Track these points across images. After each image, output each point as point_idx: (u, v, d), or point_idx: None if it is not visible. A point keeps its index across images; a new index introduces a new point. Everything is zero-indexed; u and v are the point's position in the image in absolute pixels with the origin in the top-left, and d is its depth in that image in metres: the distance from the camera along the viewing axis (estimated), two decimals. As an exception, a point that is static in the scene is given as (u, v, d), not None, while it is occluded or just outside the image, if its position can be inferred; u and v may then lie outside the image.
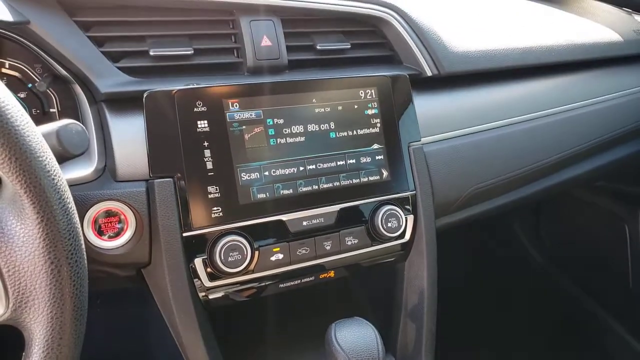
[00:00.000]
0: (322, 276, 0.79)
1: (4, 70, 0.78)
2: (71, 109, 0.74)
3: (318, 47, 0.80)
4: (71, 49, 0.65)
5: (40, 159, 0.40)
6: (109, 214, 0.64)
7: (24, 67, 0.79)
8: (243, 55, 0.74)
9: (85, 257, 0.44)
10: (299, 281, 0.77)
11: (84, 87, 0.69)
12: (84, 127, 0.54)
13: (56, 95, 0.80)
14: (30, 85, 0.79)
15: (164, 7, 0.71)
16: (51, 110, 0.81)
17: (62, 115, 0.82)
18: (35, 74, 0.80)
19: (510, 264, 1.67)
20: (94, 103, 0.69)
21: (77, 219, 0.43)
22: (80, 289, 0.43)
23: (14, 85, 0.80)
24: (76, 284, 0.42)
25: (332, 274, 0.79)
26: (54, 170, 0.41)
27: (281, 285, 0.75)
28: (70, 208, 0.42)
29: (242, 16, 0.74)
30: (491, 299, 1.55)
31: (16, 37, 0.71)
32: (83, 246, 0.43)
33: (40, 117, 0.82)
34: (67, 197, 0.42)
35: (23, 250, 0.40)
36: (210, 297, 0.69)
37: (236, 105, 0.70)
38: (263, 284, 0.73)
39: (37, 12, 0.64)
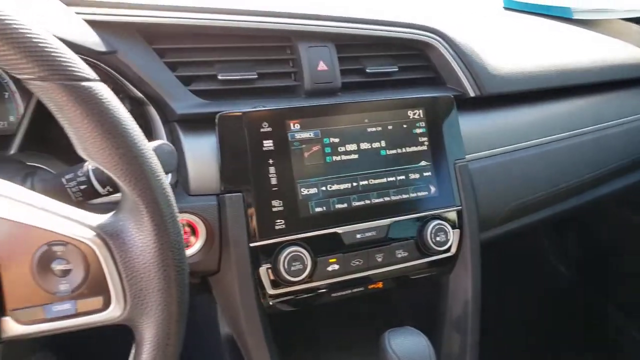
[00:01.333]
0: (370, 287, 0.83)
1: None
2: (143, 129, 0.80)
3: (368, 71, 0.85)
4: (150, 74, 0.71)
5: (157, 175, 0.46)
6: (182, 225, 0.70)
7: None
8: (301, 79, 0.80)
9: (187, 266, 0.49)
10: (350, 291, 0.81)
11: (158, 109, 0.75)
12: (174, 148, 0.60)
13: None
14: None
15: (230, 34, 0.77)
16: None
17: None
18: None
19: (537, 278, 1.69)
20: (166, 123, 0.75)
21: (182, 230, 0.48)
22: (184, 294, 0.48)
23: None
24: (181, 289, 0.47)
25: (380, 284, 0.84)
26: (167, 186, 0.47)
27: (333, 295, 0.80)
28: (177, 220, 0.48)
29: (300, 43, 0.80)
30: (518, 312, 1.57)
31: (101, 64, 0.78)
32: (186, 255, 0.49)
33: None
34: (176, 210, 0.48)
35: (140, 258, 0.45)
36: (271, 303, 0.74)
37: (297, 126, 0.75)
38: (318, 292, 0.78)
39: (122, 41, 0.70)
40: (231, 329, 0.74)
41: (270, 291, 0.73)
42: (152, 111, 0.76)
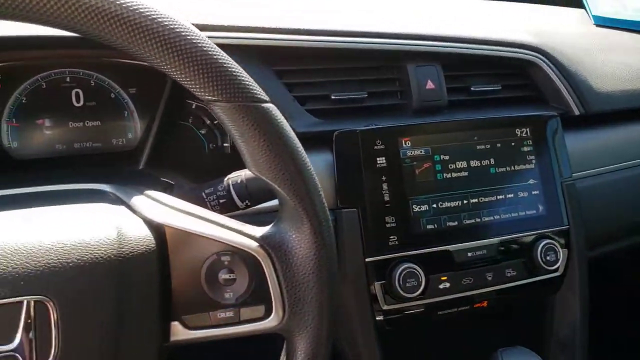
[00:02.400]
0: (476, 305, 0.82)
1: (190, 109, 0.90)
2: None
3: (472, 89, 0.86)
4: (271, 94, 0.74)
5: (319, 190, 0.48)
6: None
7: (207, 106, 0.90)
8: (408, 98, 0.82)
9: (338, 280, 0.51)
10: (456, 309, 0.81)
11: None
12: None
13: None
14: (209, 122, 0.91)
15: (342, 55, 0.80)
16: (224, 144, 0.92)
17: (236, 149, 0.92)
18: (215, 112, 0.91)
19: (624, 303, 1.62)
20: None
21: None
22: (334, 306, 0.49)
23: (198, 123, 0.92)
24: (332, 301, 0.49)
25: (485, 303, 0.83)
26: (324, 200, 0.49)
27: (439, 313, 0.80)
28: (333, 234, 0.50)
29: (409, 63, 0.82)
30: (626, 331, 1.50)
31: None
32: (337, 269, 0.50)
33: (215, 151, 0.93)
34: (330, 222, 0.50)
35: (301, 268, 0.47)
36: (382, 319, 0.75)
37: (408, 143, 0.76)
38: (427, 310, 0.78)
39: (245, 64, 0.72)
40: (344, 343, 0.75)
41: (384, 307, 0.73)
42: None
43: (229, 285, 0.48)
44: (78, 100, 0.87)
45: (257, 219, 0.60)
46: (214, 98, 0.44)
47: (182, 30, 0.42)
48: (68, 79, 0.86)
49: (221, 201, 0.62)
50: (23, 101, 0.84)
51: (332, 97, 0.78)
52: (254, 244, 0.48)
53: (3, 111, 0.83)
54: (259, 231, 0.49)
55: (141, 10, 0.41)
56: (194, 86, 0.44)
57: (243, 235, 0.48)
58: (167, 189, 0.67)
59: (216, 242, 0.47)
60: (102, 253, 0.43)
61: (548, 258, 0.79)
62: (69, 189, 0.54)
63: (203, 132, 0.92)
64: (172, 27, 0.42)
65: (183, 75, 0.44)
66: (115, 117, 0.89)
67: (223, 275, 0.48)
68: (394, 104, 0.82)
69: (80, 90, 0.87)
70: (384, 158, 0.75)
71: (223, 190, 0.62)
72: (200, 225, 0.48)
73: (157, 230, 0.48)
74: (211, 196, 0.63)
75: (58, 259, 0.42)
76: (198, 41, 0.43)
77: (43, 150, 0.85)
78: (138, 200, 0.51)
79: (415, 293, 0.72)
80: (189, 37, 0.42)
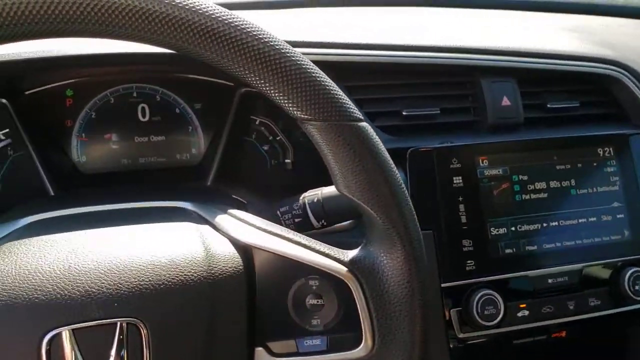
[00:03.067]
0: (554, 335, 0.77)
1: (253, 126, 0.89)
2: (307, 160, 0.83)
3: (549, 106, 0.81)
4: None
5: (413, 211, 0.46)
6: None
7: (270, 123, 0.89)
8: (483, 114, 0.78)
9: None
10: (532, 339, 0.76)
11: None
12: None
13: (292, 148, 0.90)
14: (271, 138, 0.89)
15: (413, 70, 0.78)
16: (286, 160, 0.91)
17: (297, 165, 0.90)
18: (278, 129, 0.90)
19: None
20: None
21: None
22: (425, 333, 0.46)
23: (261, 139, 0.91)
24: (424, 333, 0.46)
25: (563, 333, 0.78)
26: (417, 220, 0.46)
27: (515, 342, 0.75)
28: (425, 256, 0.47)
29: (484, 78, 0.78)
30: None
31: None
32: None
33: (277, 167, 0.92)
34: (424, 248, 0.47)
35: (392, 296, 0.44)
36: (458, 346, 0.71)
37: (485, 162, 0.73)
38: (502, 339, 0.73)
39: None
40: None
41: (460, 334, 0.69)
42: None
43: (317, 312, 0.45)
44: (144, 115, 0.87)
45: (330, 239, 0.58)
46: (308, 117, 0.42)
47: (279, 46, 0.41)
48: (135, 94, 0.87)
49: (296, 220, 0.60)
50: (92, 116, 0.85)
51: (404, 113, 0.76)
52: (343, 269, 0.45)
53: (74, 126, 0.84)
54: (348, 255, 0.46)
55: (237, 24, 0.39)
56: (287, 104, 0.42)
57: (332, 259, 0.46)
58: (241, 206, 0.65)
59: (305, 265, 0.45)
60: (192, 274, 0.42)
61: (637, 287, 0.73)
62: (152, 206, 0.53)
63: (266, 148, 0.91)
64: (270, 43, 0.40)
65: (277, 93, 0.42)
66: (179, 132, 0.89)
67: (311, 301, 0.45)
68: (468, 121, 0.79)
69: (146, 105, 0.87)
70: (460, 178, 0.71)
71: (298, 209, 0.60)
72: (288, 247, 0.46)
73: (244, 251, 0.46)
74: (286, 215, 0.61)
75: (150, 280, 0.40)
76: (296, 58, 0.41)
77: (110, 164, 0.86)
78: (222, 220, 0.49)
79: (494, 321, 0.68)
80: (287, 54, 0.41)
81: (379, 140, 0.45)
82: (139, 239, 0.44)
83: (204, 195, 0.66)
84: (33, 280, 0.38)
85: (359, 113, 0.44)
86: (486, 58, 0.78)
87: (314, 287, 0.45)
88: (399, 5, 1.05)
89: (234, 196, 0.71)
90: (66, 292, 0.38)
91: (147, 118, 0.87)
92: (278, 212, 0.61)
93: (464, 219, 0.70)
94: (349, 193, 0.45)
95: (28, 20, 0.34)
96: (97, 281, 0.39)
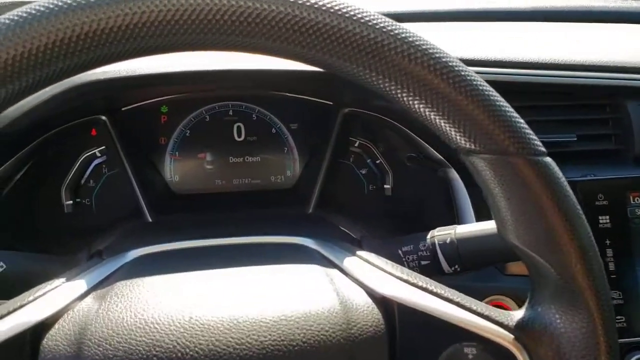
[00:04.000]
0: None
1: (352, 148, 0.83)
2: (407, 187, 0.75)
3: None
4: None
5: (600, 262, 0.36)
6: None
7: (370, 145, 0.82)
8: (628, 142, 0.67)
9: None
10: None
11: (462, 171, 0.67)
12: None
13: (392, 173, 0.82)
14: (369, 161, 0.82)
15: (546, 91, 0.68)
16: (385, 186, 0.83)
17: (396, 191, 0.82)
18: (378, 151, 0.82)
19: None
20: (471, 186, 0.67)
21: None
22: None
23: (359, 162, 0.84)
24: None
25: None
26: (604, 270, 0.37)
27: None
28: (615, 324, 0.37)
29: (630, 101, 0.67)
30: None
31: (390, 120, 0.74)
32: None
33: (375, 192, 0.84)
34: (614, 309, 0.37)
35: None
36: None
37: (637, 200, 0.62)
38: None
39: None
40: None
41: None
42: (452, 173, 0.69)
43: None
44: (239, 135, 0.83)
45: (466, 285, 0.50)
46: (478, 148, 0.34)
47: (454, 64, 0.33)
48: (231, 112, 0.83)
49: (422, 263, 0.52)
50: (187, 134, 0.81)
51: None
52: (509, 335, 0.37)
53: (168, 143, 0.81)
54: (513, 318, 0.38)
55: (404, 35, 0.32)
56: (451, 130, 0.35)
57: (493, 322, 0.37)
58: (354, 242, 0.58)
59: (459, 328, 0.37)
60: (328, 332, 0.34)
61: None
62: (268, 242, 0.47)
63: (363, 172, 0.84)
64: (444, 59, 0.33)
65: (441, 117, 0.34)
66: (275, 153, 0.83)
67: None
68: (610, 149, 0.68)
69: (242, 124, 0.83)
70: (607, 217, 0.61)
71: (426, 250, 0.52)
72: (438, 304, 0.38)
73: (384, 305, 0.38)
74: (410, 255, 0.53)
75: (281, 338, 0.33)
76: (472, 78, 0.34)
77: (203, 185, 0.82)
78: (351, 263, 0.42)
79: (653, 393, 0.56)
80: (463, 73, 0.33)
81: (564, 179, 0.36)
82: (265, 286, 0.38)
83: (315, 227, 0.59)
84: (152, 334, 0.32)
85: (541, 145, 0.36)
86: (633, 77, 0.67)
87: (470, 356, 0.37)
88: (506, 20, 0.96)
89: (342, 228, 0.63)
90: (188, 350, 0.32)
91: (242, 137, 0.82)
92: (400, 252, 0.53)
93: (612, 267, 0.60)
94: (519, 241, 0.37)
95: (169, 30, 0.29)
96: (222, 339, 0.33)
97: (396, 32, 0.32)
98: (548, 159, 0.35)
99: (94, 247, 0.53)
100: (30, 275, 0.45)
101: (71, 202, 0.71)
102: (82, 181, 0.74)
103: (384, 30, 0.32)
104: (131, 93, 0.75)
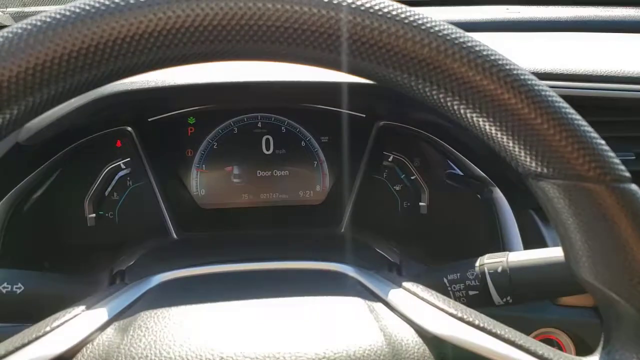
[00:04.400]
0: None
1: (385, 163, 0.79)
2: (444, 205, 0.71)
3: None
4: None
5: None
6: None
7: (405, 160, 0.78)
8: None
9: None
10: None
11: (508, 191, 0.63)
12: None
13: (428, 190, 0.78)
14: (404, 176, 0.78)
15: (598, 105, 0.63)
16: (420, 203, 0.78)
17: (432, 209, 0.78)
18: (413, 167, 0.78)
19: None
20: (517, 210, 0.62)
21: None
22: None
23: (393, 178, 0.80)
24: None
25: None
26: None
27: None
28: None
29: (694, 117, 0.62)
30: None
31: (427, 134, 0.70)
32: None
33: (409, 210, 0.80)
34: None
35: None
36: None
37: None
38: None
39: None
40: None
41: None
42: (497, 194, 0.64)
43: None
44: (268, 148, 0.80)
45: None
46: (551, 172, 0.30)
47: (529, 79, 0.29)
48: (259, 124, 0.79)
49: (470, 293, 0.48)
50: (214, 147, 0.78)
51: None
52: None
53: (194, 156, 0.78)
54: None
55: (473, 45, 0.28)
56: (520, 152, 0.31)
57: None
58: (393, 265, 0.54)
59: None
60: None
61: None
62: (303, 268, 0.43)
63: (397, 188, 0.80)
64: (519, 74, 0.29)
65: (508, 136, 0.30)
66: (304, 167, 0.80)
67: None
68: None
69: (271, 137, 0.79)
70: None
71: (475, 280, 0.47)
72: (498, 347, 0.33)
73: (436, 346, 0.34)
74: (457, 285, 0.48)
75: (324, 386, 0.29)
76: (547, 94, 0.29)
77: (229, 199, 0.79)
78: (398, 297, 0.38)
79: None
80: (538, 89, 0.29)
81: None
82: (303, 321, 0.34)
83: (350, 250, 0.55)
84: (178, 376, 0.29)
85: (626, 171, 0.31)
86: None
87: None
88: (546, 31, 0.91)
89: (379, 250, 0.59)
90: None
91: (270, 151, 0.79)
92: (445, 280, 0.49)
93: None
94: (594, 278, 0.32)
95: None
96: None
97: (460, 39, 0.28)
98: (634, 187, 0.31)
99: (117, 266, 0.50)
100: (49, 298, 0.42)
101: (94, 215, 0.69)
102: (106, 193, 0.72)
103: (447, 37, 0.28)
104: (158, 104, 0.73)
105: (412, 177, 0.78)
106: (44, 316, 0.36)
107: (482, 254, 0.50)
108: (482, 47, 0.29)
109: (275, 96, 0.76)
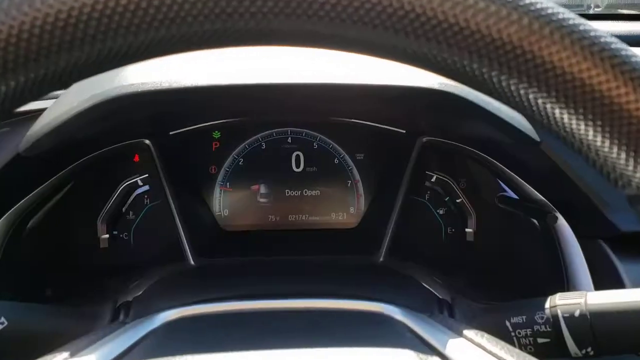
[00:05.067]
0: None
1: (428, 184, 0.71)
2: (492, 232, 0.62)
3: None
4: (581, 174, 0.51)
5: None
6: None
7: (449, 180, 0.70)
8: None
9: None
10: None
11: (572, 219, 0.54)
12: None
13: (475, 215, 0.69)
14: (448, 199, 0.70)
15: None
16: (467, 229, 0.70)
17: (481, 237, 0.69)
18: (459, 188, 0.70)
19: None
20: (583, 239, 0.53)
21: None
22: None
23: (436, 200, 0.71)
24: None
25: None
26: None
27: None
28: None
29: None
30: None
31: (476, 151, 0.62)
32: None
33: (454, 237, 0.71)
34: None
35: None
36: None
37: None
38: None
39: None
40: None
41: None
42: (561, 221, 0.55)
43: None
44: (298, 165, 0.73)
45: None
46: None
47: None
48: (289, 140, 0.73)
49: (540, 341, 0.39)
50: (240, 163, 0.72)
51: None
52: None
53: (218, 173, 0.72)
54: None
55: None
56: (626, 166, 0.23)
57: None
58: (444, 305, 0.46)
59: None
60: None
61: None
62: (342, 308, 0.35)
63: (441, 212, 0.72)
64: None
65: (615, 147, 0.22)
66: (337, 187, 0.73)
67: None
68: None
69: (301, 153, 0.73)
70: None
71: (545, 325, 0.39)
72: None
73: None
74: (522, 330, 0.40)
75: None
76: None
77: (255, 221, 0.72)
78: (457, 349, 0.30)
79: None
80: None
81: None
82: None
83: (393, 286, 0.47)
84: None
85: None
86: None
87: None
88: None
89: (424, 283, 0.51)
90: None
91: (301, 168, 0.73)
92: (508, 324, 0.40)
93: None
94: None
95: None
96: None
97: (561, 17, 0.21)
98: None
99: (123, 297, 0.43)
100: (36, 335, 0.35)
101: (107, 236, 0.63)
102: (123, 210, 0.66)
103: (542, 14, 0.20)
104: (181, 114, 0.67)
105: (457, 200, 0.70)
106: (28, 356, 0.30)
107: (543, 290, 0.42)
108: (585, 26, 0.21)
109: (307, 107, 0.69)
